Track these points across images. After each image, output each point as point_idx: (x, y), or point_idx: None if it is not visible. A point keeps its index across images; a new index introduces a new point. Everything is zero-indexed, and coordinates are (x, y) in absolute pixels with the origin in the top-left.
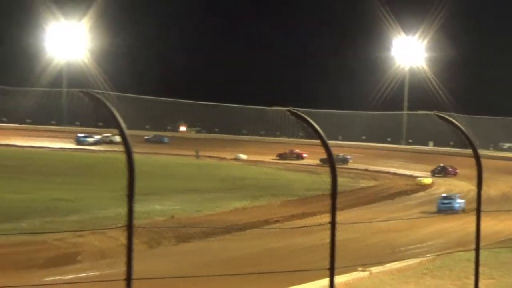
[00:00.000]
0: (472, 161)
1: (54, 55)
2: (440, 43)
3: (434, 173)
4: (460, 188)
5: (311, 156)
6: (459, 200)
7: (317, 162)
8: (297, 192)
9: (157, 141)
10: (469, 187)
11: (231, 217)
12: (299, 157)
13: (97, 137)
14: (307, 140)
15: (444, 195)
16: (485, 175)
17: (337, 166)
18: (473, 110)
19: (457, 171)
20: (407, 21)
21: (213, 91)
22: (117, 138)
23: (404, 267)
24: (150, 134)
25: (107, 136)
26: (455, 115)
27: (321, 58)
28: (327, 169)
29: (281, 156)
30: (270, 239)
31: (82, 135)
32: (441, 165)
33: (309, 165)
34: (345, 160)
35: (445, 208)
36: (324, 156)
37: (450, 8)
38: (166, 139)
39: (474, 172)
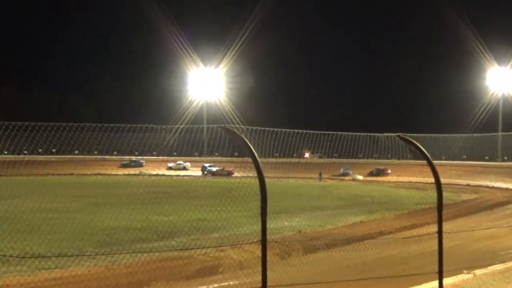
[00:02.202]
0: None
1: (195, 96)
2: None
3: (370, 175)
4: None
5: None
6: None
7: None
8: (407, 206)
9: (136, 165)
10: None
11: (350, 230)
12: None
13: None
14: (414, 161)
15: None
16: None
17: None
18: None
19: (389, 171)
20: (500, 53)
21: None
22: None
23: (505, 268)
24: (279, 161)
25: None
26: None
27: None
28: (433, 185)
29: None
30: (385, 248)
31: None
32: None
33: (417, 182)
34: None
35: None
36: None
37: None
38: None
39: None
